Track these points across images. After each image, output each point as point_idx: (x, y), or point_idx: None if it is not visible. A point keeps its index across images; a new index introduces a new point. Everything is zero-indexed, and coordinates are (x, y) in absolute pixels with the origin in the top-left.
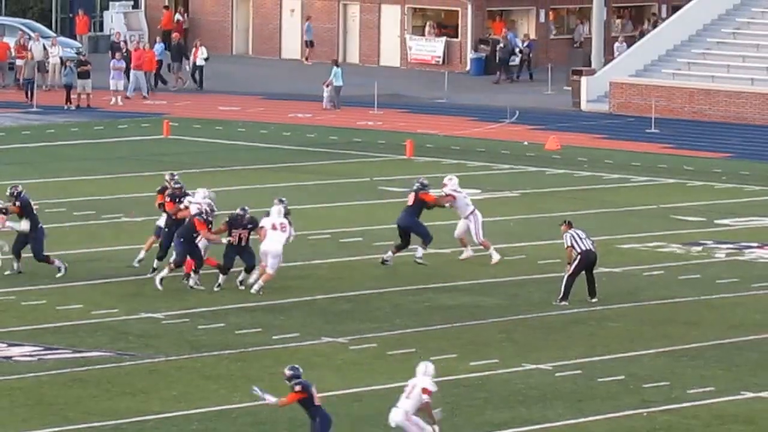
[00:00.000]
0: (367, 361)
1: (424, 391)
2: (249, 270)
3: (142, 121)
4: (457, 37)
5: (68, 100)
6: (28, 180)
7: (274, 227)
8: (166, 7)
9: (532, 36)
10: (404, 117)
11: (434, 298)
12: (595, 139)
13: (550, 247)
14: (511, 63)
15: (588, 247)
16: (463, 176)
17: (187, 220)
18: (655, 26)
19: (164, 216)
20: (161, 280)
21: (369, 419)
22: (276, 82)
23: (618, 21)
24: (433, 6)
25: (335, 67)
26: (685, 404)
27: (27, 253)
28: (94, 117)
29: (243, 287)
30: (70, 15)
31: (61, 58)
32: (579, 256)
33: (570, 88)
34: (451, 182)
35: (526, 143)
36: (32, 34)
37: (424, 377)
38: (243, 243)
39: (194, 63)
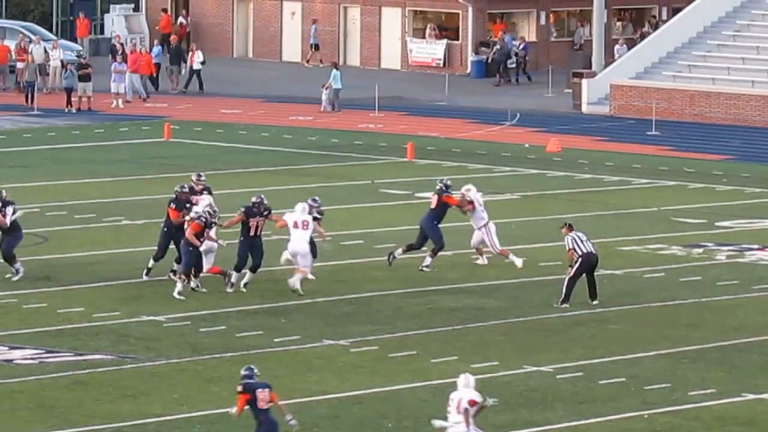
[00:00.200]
0: (368, 363)
1: (470, 402)
2: (255, 270)
3: (142, 124)
4: (457, 39)
5: (69, 103)
6: (28, 183)
7: (296, 225)
8: (165, 10)
9: (533, 38)
10: (405, 119)
11: (435, 301)
12: (596, 141)
13: (551, 250)
14: (508, 65)
15: (589, 250)
16: (464, 179)
17: (186, 224)
18: (655, 28)
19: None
20: (179, 293)
21: (370, 422)
22: (277, 85)
23: (618, 23)
24: (433, 8)
25: (334, 70)
26: (686, 406)
27: (22, 257)
28: (94, 120)
29: (244, 289)
30: (71, 18)
31: (61, 61)
32: (580, 259)
33: (570, 91)
34: (470, 192)
35: (526, 146)
36: (33, 37)
37: (467, 389)
38: (258, 233)
39: (191, 67)
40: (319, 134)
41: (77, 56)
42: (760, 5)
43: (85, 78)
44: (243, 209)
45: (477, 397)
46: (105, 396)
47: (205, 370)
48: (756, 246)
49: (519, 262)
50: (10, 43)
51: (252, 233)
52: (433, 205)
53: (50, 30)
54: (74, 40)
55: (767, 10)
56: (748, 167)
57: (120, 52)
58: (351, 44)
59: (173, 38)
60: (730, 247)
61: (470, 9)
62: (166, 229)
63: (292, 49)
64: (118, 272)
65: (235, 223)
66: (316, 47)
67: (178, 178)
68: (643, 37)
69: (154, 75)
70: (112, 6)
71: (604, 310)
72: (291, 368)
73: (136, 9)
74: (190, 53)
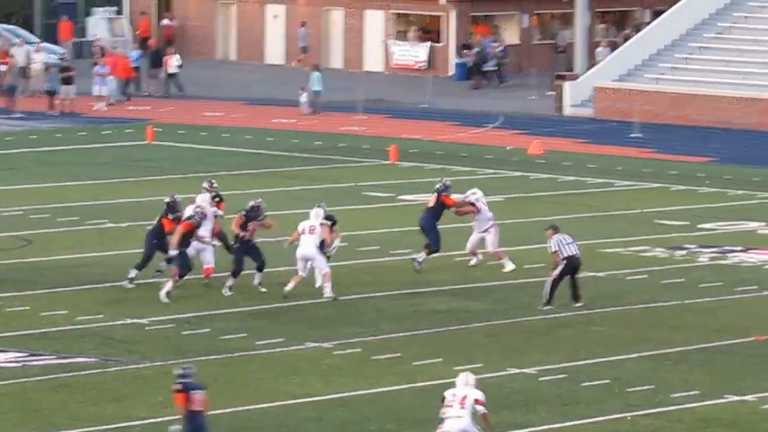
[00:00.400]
0: (351, 366)
1: (478, 402)
2: (260, 269)
3: (125, 126)
4: (440, 42)
5: (51, 105)
6: (11, 186)
7: (304, 231)
8: (143, 13)
9: (516, 41)
10: (388, 122)
11: (419, 303)
12: (579, 143)
13: (535, 252)
14: (487, 68)
15: (573, 253)
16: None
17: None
18: (637, 31)
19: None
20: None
21: (353, 424)
22: (260, 88)
23: (601, 26)
24: (416, 11)
25: (314, 72)
26: (669, 408)
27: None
28: (77, 123)
29: (264, 289)
30: (54, 21)
31: (44, 64)
32: (564, 261)
33: (553, 93)
34: (474, 195)
35: (509, 148)
36: (16, 40)
37: (468, 388)
38: (252, 236)
39: (167, 71)
40: (301, 137)
41: (60, 59)
42: (742, 7)
43: (67, 81)
44: (244, 212)
45: (481, 396)
46: (89, 399)
47: None
48: (739, 248)
49: (509, 267)
50: None
51: (248, 237)
52: (431, 204)
53: (33, 33)
54: (57, 43)
55: (749, 12)
56: (731, 169)
57: (101, 55)
58: (334, 47)
59: (152, 42)
60: (713, 249)
61: (453, 12)
62: (155, 240)
63: (274, 52)
64: (102, 275)
65: (238, 225)
66: (305, 50)
67: (162, 180)
68: (625, 39)
69: (133, 79)
70: (94, 9)
71: (588, 312)
72: (275, 371)
73: (119, 12)
74: (166, 57)
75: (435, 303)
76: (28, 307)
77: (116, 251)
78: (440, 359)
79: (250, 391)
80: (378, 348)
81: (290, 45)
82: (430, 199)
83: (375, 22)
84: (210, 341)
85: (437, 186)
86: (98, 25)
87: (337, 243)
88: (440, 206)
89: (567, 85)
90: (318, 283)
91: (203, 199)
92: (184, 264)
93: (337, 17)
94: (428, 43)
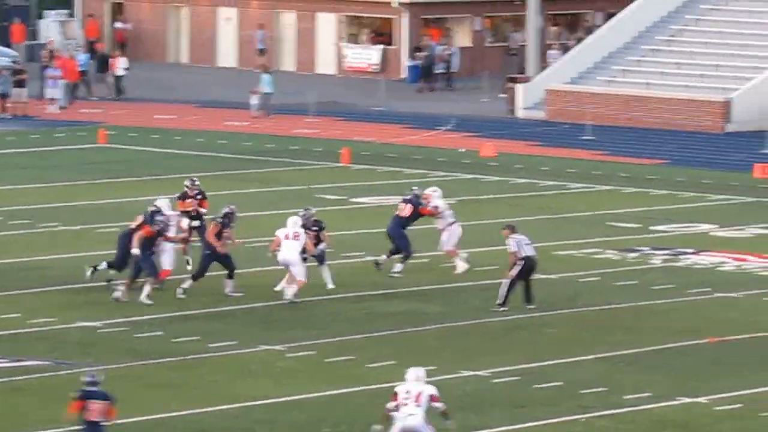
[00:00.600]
0: (305, 368)
1: (435, 399)
2: (231, 276)
3: (78, 129)
4: (393, 44)
5: (4, 108)
6: None
7: (287, 236)
8: (91, 16)
9: (468, 44)
10: (340, 124)
11: (373, 305)
12: (531, 146)
13: (488, 254)
14: (437, 71)
15: (530, 254)
16: (400, 184)
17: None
18: (589, 34)
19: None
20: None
21: (307, 427)
22: (212, 90)
23: (553, 28)
24: (368, 14)
25: (264, 75)
26: (622, 410)
27: None
28: (30, 126)
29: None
30: (6, 24)
31: None
32: (521, 262)
33: (506, 96)
34: (435, 194)
35: (462, 150)
36: None
37: (420, 383)
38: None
39: (113, 74)
40: (253, 139)
41: (12, 62)
42: (694, 10)
43: (19, 83)
44: (219, 220)
45: (435, 391)
46: (42, 402)
47: (142, 376)
48: (691, 250)
49: (462, 267)
50: None
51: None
52: (405, 214)
53: None
54: (9, 46)
55: (701, 15)
56: (683, 171)
57: (49, 58)
58: (286, 49)
59: (98, 45)
60: (666, 252)
61: (405, 14)
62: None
63: (227, 55)
64: (55, 278)
65: (213, 233)
66: (263, 52)
67: (115, 183)
68: (577, 42)
69: (80, 82)
70: (46, 12)
71: (541, 314)
72: (228, 373)
73: (71, 15)
74: (112, 60)
75: (389, 305)
76: None
77: (69, 254)
78: (394, 362)
79: (203, 393)
80: (332, 350)
81: (242, 48)
82: (403, 207)
83: (327, 24)
84: (163, 344)
85: (409, 196)
86: (50, 28)
87: (322, 246)
88: (414, 216)
89: (519, 88)
90: (329, 285)
91: (164, 204)
92: (153, 267)
93: (289, 20)
94: (381, 46)
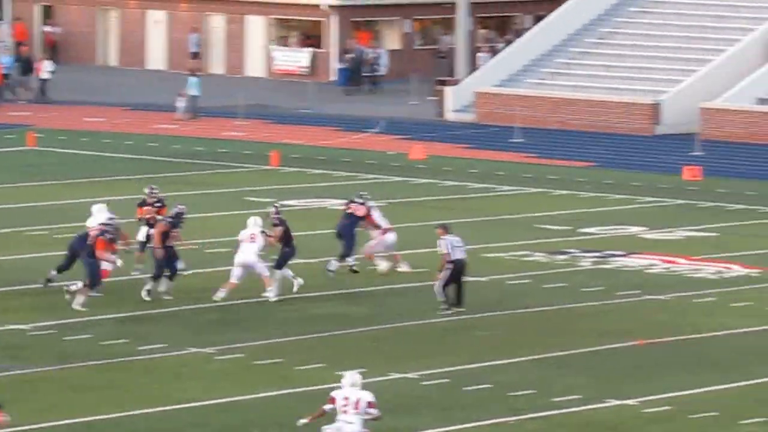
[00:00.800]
0: (234, 371)
1: (371, 405)
2: (171, 277)
3: (5, 132)
4: (322, 47)
5: None
6: None
7: (244, 239)
8: (18, 19)
9: (397, 46)
10: (270, 127)
11: (303, 308)
12: (460, 148)
13: (417, 257)
14: (365, 74)
15: (460, 257)
16: (329, 186)
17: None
18: (519, 36)
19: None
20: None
21: (236, 429)
22: (141, 93)
23: (482, 31)
24: (297, 17)
25: (192, 78)
26: (551, 412)
27: None
28: None
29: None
30: None
31: None
32: (451, 265)
33: (435, 98)
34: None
35: (391, 153)
36: None
37: (357, 389)
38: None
39: (39, 77)
40: (182, 142)
41: None
42: (623, 13)
43: None
44: (169, 221)
45: (372, 397)
46: None
47: (71, 379)
48: (620, 252)
49: (383, 266)
50: None
51: (169, 244)
52: (361, 213)
53: None
54: None
55: (630, 17)
56: (611, 174)
57: None
58: (215, 52)
59: (23, 48)
60: (595, 254)
61: (334, 17)
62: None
63: (156, 57)
64: None
65: (160, 234)
66: (196, 55)
67: (43, 186)
68: (506, 44)
69: (3, 85)
70: None
71: (470, 317)
72: (156, 376)
73: (1, 18)
74: (37, 63)
75: (318, 308)
76: None
77: None
78: (323, 364)
79: (132, 396)
80: (260, 353)
81: (172, 50)
82: (356, 208)
83: (256, 27)
84: (92, 346)
85: (361, 201)
86: None
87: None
88: (362, 218)
89: (448, 90)
90: (295, 289)
91: (99, 209)
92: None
93: (218, 23)
94: (310, 49)
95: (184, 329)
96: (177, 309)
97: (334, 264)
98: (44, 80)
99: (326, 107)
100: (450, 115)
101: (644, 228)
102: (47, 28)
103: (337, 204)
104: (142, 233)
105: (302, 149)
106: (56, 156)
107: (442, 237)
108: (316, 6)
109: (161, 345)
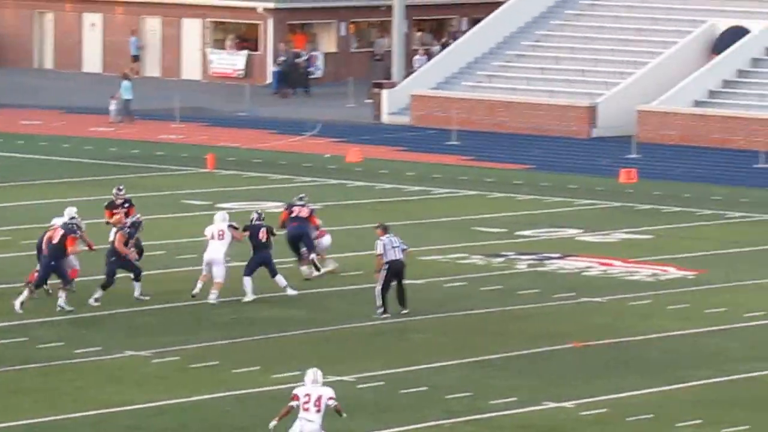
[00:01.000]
0: (170, 374)
1: (331, 399)
2: (137, 278)
3: None
4: (258, 50)
5: None
6: None
7: (213, 236)
8: None
9: (333, 49)
10: (206, 130)
11: (239, 311)
12: (397, 151)
13: (353, 260)
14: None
15: (396, 257)
16: (266, 189)
17: (58, 240)
18: (455, 39)
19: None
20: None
21: None
22: (77, 96)
23: (418, 34)
24: (234, 19)
25: (124, 81)
26: (488, 415)
27: None
28: None
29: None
30: None
31: None
32: (386, 266)
33: (371, 101)
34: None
35: (327, 156)
36: None
37: (318, 386)
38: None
39: None
40: (119, 145)
41: None
42: (559, 16)
43: None
44: (128, 230)
45: (333, 393)
46: None
47: (6, 382)
48: (556, 255)
49: (305, 271)
50: None
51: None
52: (305, 215)
53: None
54: None
55: (566, 20)
56: (548, 176)
57: None
58: (151, 54)
59: None
60: (531, 257)
61: (270, 20)
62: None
63: (92, 60)
64: None
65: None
66: (136, 58)
67: None
68: (443, 47)
69: None
70: None
71: (407, 319)
72: (92, 379)
73: None
74: None
75: (254, 311)
76: None
77: None
78: (259, 367)
79: (68, 399)
80: (197, 356)
81: (108, 53)
82: (299, 210)
83: (192, 30)
84: (27, 350)
85: (302, 203)
86: None
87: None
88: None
89: (384, 93)
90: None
91: (70, 213)
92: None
93: (154, 25)
94: (246, 52)
95: (121, 332)
96: (113, 312)
97: (305, 271)
98: None
99: (262, 110)
100: (386, 118)
101: (581, 230)
102: None
103: (273, 207)
104: (113, 236)
105: (238, 152)
106: None
107: (380, 238)
108: (253, 9)
109: (97, 348)
